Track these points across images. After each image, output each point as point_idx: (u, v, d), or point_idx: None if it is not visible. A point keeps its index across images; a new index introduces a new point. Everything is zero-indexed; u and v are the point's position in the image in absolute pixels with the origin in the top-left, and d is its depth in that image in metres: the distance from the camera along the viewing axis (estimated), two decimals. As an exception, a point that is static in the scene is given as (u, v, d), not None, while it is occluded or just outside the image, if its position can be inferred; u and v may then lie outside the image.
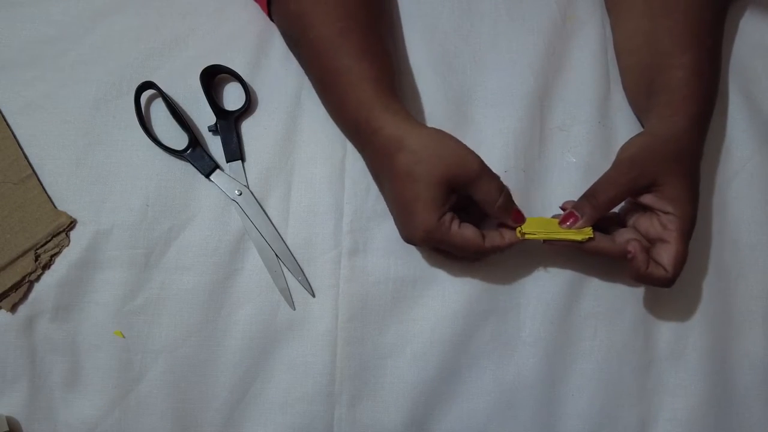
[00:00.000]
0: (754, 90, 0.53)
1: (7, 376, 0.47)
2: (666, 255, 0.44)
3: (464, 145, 0.44)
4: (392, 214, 0.46)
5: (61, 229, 0.48)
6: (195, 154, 0.49)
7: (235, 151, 0.50)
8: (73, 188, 0.49)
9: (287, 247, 0.48)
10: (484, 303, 0.48)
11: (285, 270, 0.48)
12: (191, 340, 0.47)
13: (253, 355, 0.47)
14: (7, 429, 0.45)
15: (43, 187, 0.49)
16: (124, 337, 0.47)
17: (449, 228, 0.43)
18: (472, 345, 0.48)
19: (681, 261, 0.44)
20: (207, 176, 0.49)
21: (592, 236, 0.44)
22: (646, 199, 0.45)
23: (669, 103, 0.46)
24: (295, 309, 0.48)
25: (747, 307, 0.49)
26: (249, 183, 0.49)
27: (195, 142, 0.49)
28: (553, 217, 0.46)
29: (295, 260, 0.48)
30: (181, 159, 0.50)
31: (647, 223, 0.45)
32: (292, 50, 0.51)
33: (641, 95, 0.50)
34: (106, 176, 0.49)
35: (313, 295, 0.48)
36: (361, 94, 0.45)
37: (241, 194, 0.49)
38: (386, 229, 0.49)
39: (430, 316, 0.48)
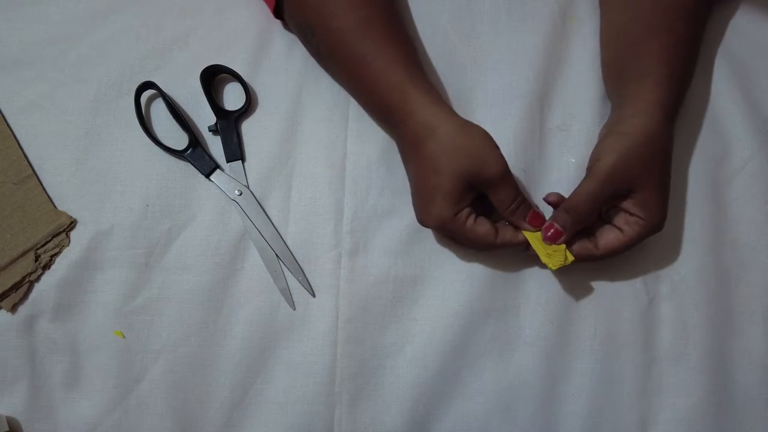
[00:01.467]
0: (755, 90, 0.53)
1: (8, 376, 0.47)
2: (609, 239, 0.45)
3: (492, 145, 0.44)
4: (411, 194, 0.47)
5: (62, 229, 0.48)
6: (195, 154, 0.49)
7: (235, 151, 0.50)
8: (74, 188, 0.49)
9: (287, 247, 0.48)
10: (484, 303, 0.48)
11: (285, 270, 0.48)
12: (191, 340, 0.47)
13: (253, 355, 0.47)
14: (8, 429, 0.45)
15: (43, 187, 0.49)
16: (124, 337, 0.47)
17: (464, 223, 0.44)
18: (472, 345, 0.48)
19: (616, 252, 0.45)
20: (207, 176, 0.49)
21: (565, 263, 0.45)
22: (621, 203, 0.45)
23: (639, 92, 0.46)
24: (295, 309, 0.48)
25: (747, 307, 0.49)
26: (249, 183, 0.50)
27: (195, 142, 0.49)
28: (548, 194, 0.47)
29: (295, 260, 0.48)
30: (181, 159, 0.50)
31: (613, 211, 0.46)
32: (307, 43, 0.50)
33: (612, 83, 0.49)
34: (106, 176, 0.49)
35: (313, 295, 0.48)
36: (393, 77, 0.45)
37: (241, 194, 0.49)
38: (386, 229, 0.49)
39: (430, 316, 0.48)
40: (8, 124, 0.50)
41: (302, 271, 0.48)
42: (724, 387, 0.47)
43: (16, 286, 0.47)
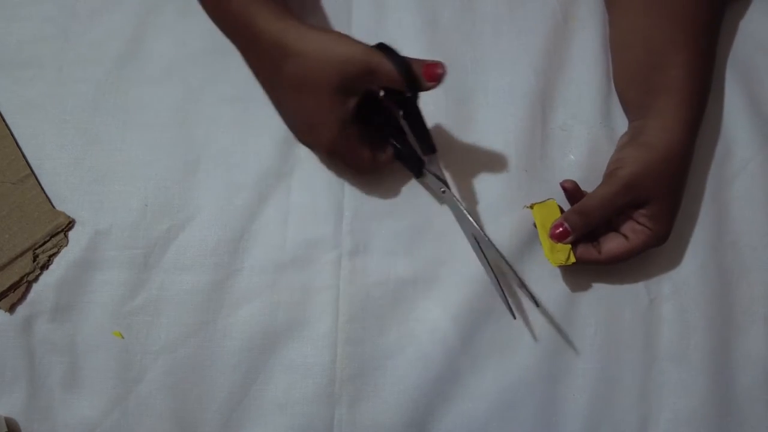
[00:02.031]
0: (755, 90, 0.53)
1: (6, 377, 0.47)
2: (613, 246, 0.46)
3: (348, 41, 0.42)
4: (287, 120, 0.46)
5: (60, 229, 0.48)
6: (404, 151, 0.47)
7: (430, 142, 0.47)
8: (72, 188, 0.49)
9: (496, 249, 0.46)
10: (485, 303, 0.48)
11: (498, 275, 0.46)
12: (191, 341, 0.47)
13: (252, 356, 0.47)
14: (6, 430, 0.45)
15: (42, 187, 0.49)
16: (123, 337, 0.47)
17: (354, 141, 0.44)
18: (472, 345, 0.48)
19: (619, 259, 0.46)
20: (418, 176, 0.48)
21: (566, 263, 0.45)
22: (632, 212, 0.46)
23: (668, 107, 0.46)
24: (515, 318, 0.46)
25: (748, 308, 0.49)
26: (251, 182, 0.49)
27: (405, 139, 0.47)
28: (564, 181, 0.47)
29: (508, 264, 0.46)
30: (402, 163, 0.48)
31: (621, 218, 0.47)
32: None
33: (633, 90, 0.49)
34: (104, 176, 0.49)
35: (537, 305, 0.46)
36: None
37: (444, 192, 0.47)
38: (386, 229, 0.49)
39: (431, 317, 0.48)
40: (6, 124, 0.50)
41: (518, 278, 0.46)
42: (725, 387, 0.47)
43: (14, 287, 0.47)
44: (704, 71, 0.48)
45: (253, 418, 0.47)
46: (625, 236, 0.46)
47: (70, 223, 0.48)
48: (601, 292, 0.49)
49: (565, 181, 0.47)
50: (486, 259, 0.46)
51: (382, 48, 0.43)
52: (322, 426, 0.47)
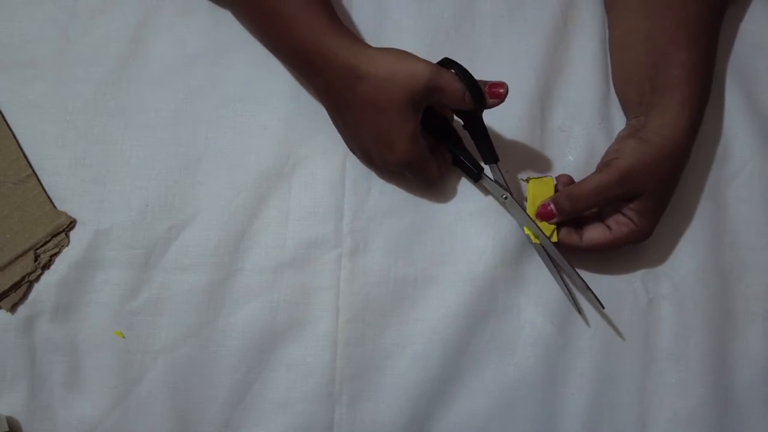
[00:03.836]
0: (754, 90, 0.53)
1: (7, 376, 0.46)
2: (595, 235, 0.46)
3: (413, 58, 0.44)
4: (357, 141, 0.47)
5: (61, 229, 0.48)
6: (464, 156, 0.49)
7: (492, 151, 0.48)
8: (73, 188, 0.49)
9: (562, 255, 0.47)
10: (484, 303, 0.48)
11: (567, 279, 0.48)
12: (191, 341, 0.47)
13: (253, 356, 0.47)
14: (7, 429, 0.45)
15: (43, 187, 0.49)
16: (123, 337, 0.47)
17: (427, 154, 0.46)
18: (472, 345, 0.48)
19: (598, 249, 0.46)
20: (476, 181, 0.49)
21: (555, 240, 0.46)
22: (620, 204, 0.46)
23: (670, 105, 0.46)
24: (589, 326, 0.48)
25: (747, 308, 0.49)
26: (251, 182, 0.49)
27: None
28: (560, 175, 0.48)
29: (574, 270, 0.47)
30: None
31: (607, 209, 0.47)
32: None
33: (634, 90, 0.49)
34: (105, 176, 0.49)
35: (603, 306, 0.47)
36: (310, 21, 0.44)
37: (506, 198, 0.48)
38: (386, 229, 0.49)
39: (431, 317, 0.48)
40: (8, 124, 0.50)
41: (584, 282, 0.47)
42: (724, 387, 0.48)
43: (15, 286, 0.47)
44: (705, 71, 0.48)
45: (253, 417, 0.47)
46: (609, 227, 0.46)
47: (72, 223, 0.48)
48: (599, 292, 0.49)
49: (562, 175, 0.48)
50: (552, 262, 0.48)
51: (447, 63, 0.45)
52: (322, 426, 0.47)
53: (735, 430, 0.47)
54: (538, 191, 0.47)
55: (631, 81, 0.50)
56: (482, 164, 0.48)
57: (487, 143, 0.47)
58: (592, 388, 0.47)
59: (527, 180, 0.48)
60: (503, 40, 0.53)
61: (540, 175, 0.48)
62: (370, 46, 0.45)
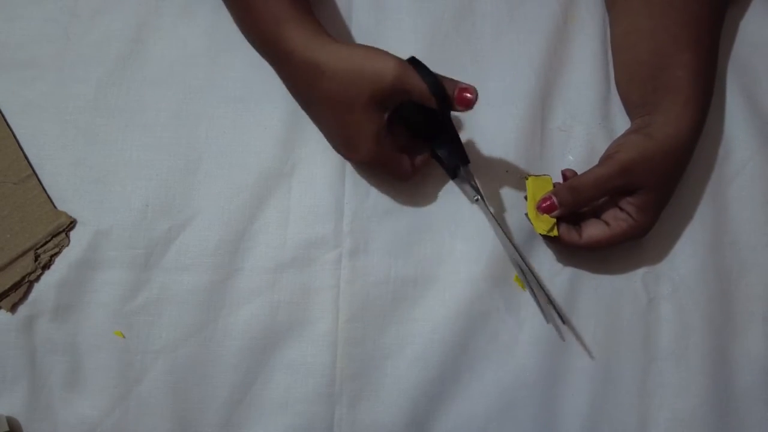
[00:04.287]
0: (755, 90, 0.53)
1: (7, 376, 0.47)
2: (594, 232, 0.46)
3: (380, 57, 0.42)
4: (325, 135, 0.48)
5: (61, 229, 0.48)
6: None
7: (464, 154, 0.47)
8: (73, 188, 0.49)
9: (522, 259, 0.46)
10: (485, 303, 0.48)
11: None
12: (191, 341, 0.47)
13: (253, 356, 0.47)
14: (7, 429, 0.45)
15: (43, 187, 0.49)
16: (124, 337, 0.47)
17: (391, 153, 0.45)
18: (472, 345, 0.48)
19: (597, 246, 0.46)
20: (453, 177, 0.49)
21: (549, 233, 0.46)
22: (619, 199, 0.46)
23: (672, 106, 0.46)
24: (548, 323, 0.47)
25: (747, 308, 0.49)
26: (251, 182, 0.49)
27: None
28: (565, 170, 0.48)
29: (535, 277, 0.46)
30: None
31: (606, 206, 0.47)
32: None
33: (637, 90, 0.50)
34: (105, 176, 0.49)
35: (563, 321, 0.47)
36: (273, 9, 0.44)
37: (477, 200, 0.48)
38: (386, 229, 0.49)
39: (431, 317, 0.48)
40: (8, 124, 0.50)
41: (543, 290, 0.46)
42: (724, 387, 0.48)
43: (15, 286, 0.47)
44: (708, 71, 0.48)
45: (253, 417, 0.47)
46: (607, 223, 0.46)
47: (72, 223, 0.48)
48: (600, 292, 0.49)
49: (567, 170, 0.48)
50: (519, 269, 0.47)
51: (414, 63, 0.44)
52: (322, 426, 0.47)
53: (735, 430, 0.47)
54: (537, 187, 0.47)
55: (633, 81, 0.50)
56: (458, 164, 0.48)
57: (457, 145, 0.47)
58: (592, 388, 0.47)
59: (526, 177, 0.48)
60: (503, 39, 0.53)
61: (540, 174, 0.48)
62: (333, 40, 0.44)
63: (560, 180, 0.49)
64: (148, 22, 0.53)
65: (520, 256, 0.46)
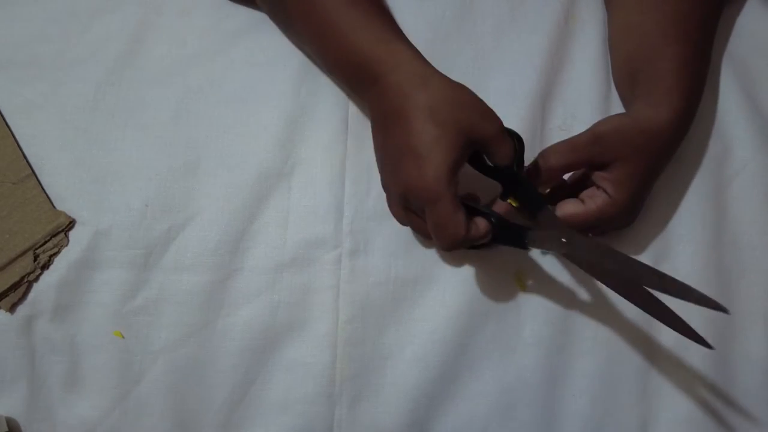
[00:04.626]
0: (755, 90, 0.53)
1: (7, 377, 0.46)
2: (568, 208, 0.45)
3: (483, 101, 0.42)
4: (389, 158, 0.43)
5: (60, 229, 0.48)
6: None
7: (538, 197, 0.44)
8: (72, 188, 0.49)
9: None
10: (485, 303, 0.48)
11: None
12: (191, 341, 0.47)
13: (253, 356, 0.47)
14: (7, 429, 0.45)
15: (42, 187, 0.49)
16: (123, 337, 0.47)
17: (456, 201, 0.40)
18: (472, 345, 0.48)
19: (573, 224, 0.44)
20: (524, 248, 0.43)
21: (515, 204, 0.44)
22: (595, 175, 0.45)
23: (653, 91, 0.46)
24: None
25: (748, 308, 0.49)
26: (251, 182, 0.49)
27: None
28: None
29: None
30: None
31: (582, 186, 0.46)
32: (273, 9, 0.50)
33: (626, 85, 0.50)
34: (105, 176, 0.49)
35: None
36: (376, 31, 0.43)
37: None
38: (387, 229, 0.49)
39: (431, 317, 0.48)
40: (7, 124, 0.50)
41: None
42: (725, 388, 0.47)
43: (14, 286, 0.47)
44: (696, 66, 0.48)
45: (253, 418, 0.47)
46: (582, 201, 0.45)
47: (71, 223, 0.48)
48: (600, 292, 0.49)
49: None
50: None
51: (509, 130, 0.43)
52: (322, 426, 0.47)
53: (735, 431, 0.47)
54: None
55: (624, 77, 0.50)
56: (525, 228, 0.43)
57: (531, 191, 0.44)
58: (593, 389, 0.47)
59: None
60: (504, 39, 0.53)
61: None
62: (437, 70, 0.43)
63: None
64: (147, 22, 0.53)
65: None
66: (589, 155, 0.44)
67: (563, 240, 0.42)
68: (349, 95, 0.51)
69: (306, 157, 0.50)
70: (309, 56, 0.51)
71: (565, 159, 0.44)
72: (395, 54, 0.43)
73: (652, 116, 0.45)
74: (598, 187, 0.45)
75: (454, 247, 0.41)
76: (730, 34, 0.54)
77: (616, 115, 0.46)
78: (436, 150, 0.39)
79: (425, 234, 0.45)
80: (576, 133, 0.51)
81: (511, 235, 0.42)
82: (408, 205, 0.44)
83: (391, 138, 0.43)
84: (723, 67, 0.53)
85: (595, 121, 0.51)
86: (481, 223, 0.41)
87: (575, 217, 0.45)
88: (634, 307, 0.48)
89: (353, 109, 0.51)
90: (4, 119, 0.50)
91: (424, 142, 0.40)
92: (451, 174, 0.40)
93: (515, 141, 0.43)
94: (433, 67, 0.44)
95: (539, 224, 0.44)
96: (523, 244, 0.43)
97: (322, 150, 0.50)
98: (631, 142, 0.44)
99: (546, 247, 0.43)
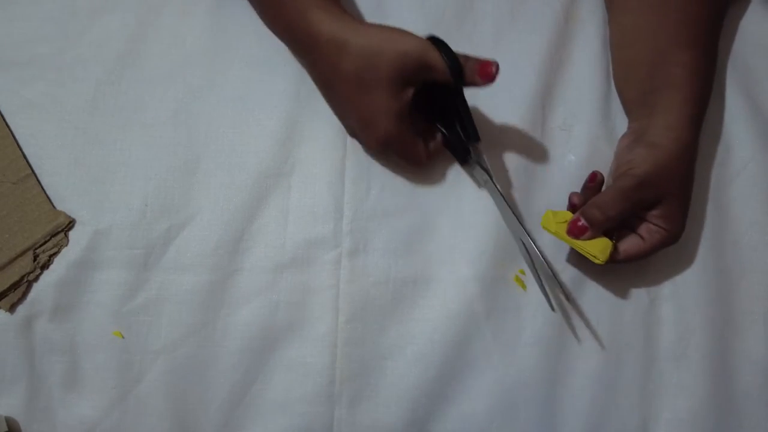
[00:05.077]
0: (755, 90, 0.53)
1: (6, 377, 0.46)
2: (630, 246, 0.46)
3: (405, 36, 0.43)
4: (342, 117, 0.48)
5: (60, 229, 0.48)
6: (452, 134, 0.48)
7: (475, 130, 0.47)
8: (72, 188, 0.49)
9: (533, 242, 0.46)
10: (485, 303, 0.48)
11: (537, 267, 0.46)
12: (191, 341, 0.47)
13: (252, 356, 0.47)
14: (7, 429, 0.45)
15: (42, 187, 0.49)
16: (123, 337, 0.47)
17: (411, 135, 0.46)
18: (472, 345, 0.48)
19: (635, 258, 0.46)
20: (463, 163, 0.49)
21: (606, 258, 0.44)
22: (645, 213, 0.46)
23: (672, 105, 0.46)
24: (554, 311, 0.46)
25: (748, 308, 0.49)
26: (251, 182, 0.49)
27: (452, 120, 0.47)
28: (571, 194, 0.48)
29: (544, 260, 0.45)
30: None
31: (636, 221, 0.47)
32: None
33: (634, 88, 0.50)
34: (104, 176, 0.49)
35: (553, 309, 0.45)
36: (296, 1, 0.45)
37: (486, 182, 0.48)
38: (386, 229, 0.49)
39: (431, 317, 0.48)
40: (6, 124, 0.50)
41: (553, 274, 0.46)
42: (725, 388, 0.47)
43: (14, 286, 0.47)
44: (706, 69, 0.48)
45: (253, 418, 0.47)
46: (641, 237, 0.46)
47: (71, 223, 0.48)
48: (601, 292, 0.49)
49: (572, 195, 0.48)
50: (526, 250, 0.47)
51: (435, 41, 0.44)
52: (322, 426, 0.47)
53: (736, 431, 0.47)
54: (559, 218, 0.46)
55: (631, 79, 0.50)
56: (468, 147, 0.48)
57: (469, 121, 0.47)
58: (593, 389, 0.47)
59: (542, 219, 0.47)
60: (504, 39, 0.53)
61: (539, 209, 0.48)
62: (359, 22, 0.44)
63: (560, 196, 0.48)
64: (147, 22, 0.53)
65: (530, 238, 0.46)
66: (639, 199, 0.45)
67: (484, 180, 0.48)
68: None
69: (306, 157, 0.50)
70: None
71: (620, 207, 0.45)
72: (312, 24, 0.44)
73: (675, 136, 0.45)
74: (651, 222, 0.46)
75: (422, 165, 0.49)
76: (731, 35, 0.55)
77: (644, 149, 0.46)
78: (376, 112, 0.44)
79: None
80: (577, 133, 0.51)
81: (458, 148, 0.49)
82: (376, 150, 0.49)
83: (334, 104, 0.48)
84: (723, 68, 0.53)
85: (595, 120, 0.51)
86: (436, 140, 0.48)
87: (639, 255, 0.46)
88: (634, 307, 0.49)
89: (353, 109, 0.51)
90: (4, 119, 0.50)
91: (364, 108, 0.44)
92: (398, 123, 0.45)
93: (444, 57, 0.43)
94: (348, 21, 0.44)
95: (474, 153, 0.49)
96: (464, 159, 0.49)
97: (322, 150, 0.50)
98: (672, 177, 0.45)
99: (476, 180, 0.49)
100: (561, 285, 0.45)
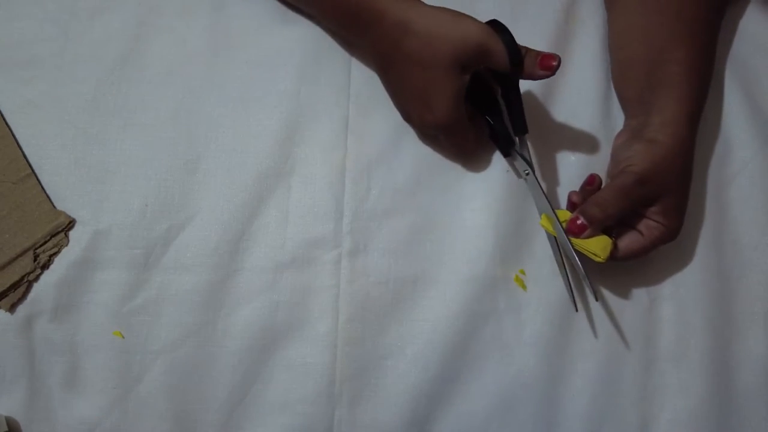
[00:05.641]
0: (755, 90, 0.53)
1: (6, 377, 0.46)
2: (630, 243, 0.46)
3: (468, 20, 0.44)
4: (399, 99, 0.48)
5: (60, 229, 0.48)
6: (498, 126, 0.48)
7: (524, 123, 0.47)
8: (72, 188, 0.49)
9: (568, 240, 0.45)
10: (485, 303, 0.48)
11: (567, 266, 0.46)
12: (191, 341, 0.47)
13: (252, 356, 0.47)
14: (7, 429, 0.45)
15: (42, 187, 0.49)
16: (123, 337, 0.47)
17: (465, 121, 0.46)
18: (472, 345, 0.48)
19: (635, 256, 0.46)
20: (506, 155, 0.49)
21: (607, 256, 0.44)
22: (644, 210, 0.46)
23: (669, 102, 0.46)
24: (577, 310, 0.47)
25: (748, 308, 0.49)
26: (251, 182, 0.49)
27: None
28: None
29: (577, 259, 0.44)
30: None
31: (636, 218, 0.47)
32: None
33: (632, 86, 0.50)
34: (105, 176, 0.49)
35: (576, 309, 0.47)
36: None
37: (528, 174, 0.47)
38: (386, 229, 0.49)
39: (431, 317, 0.48)
40: (7, 123, 0.50)
41: (584, 273, 0.44)
42: (725, 388, 0.47)
43: (14, 286, 0.47)
44: (703, 67, 0.48)
45: (253, 418, 0.47)
46: (641, 233, 0.46)
47: (71, 223, 0.48)
48: (601, 292, 0.49)
49: (571, 194, 0.47)
50: (558, 247, 0.47)
51: (496, 25, 0.45)
52: (322, 426, 0.47)
53: (736, 431, 0.47)
54: (558, 217, 0.46)
55: (628, 78, 0.50)
56: (514, 138, 0.48)
57: (519, 113, 0.47)
58: (593, 389, 0.47)
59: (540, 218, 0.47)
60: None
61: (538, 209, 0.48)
62: (423, 3, 0.45)
63: (559, 196, 0.48)
64: (147, 22, 0.53)
65: (566, 237, 0.45)
66: (638, 196, 0.45)
67: (525, 173, 0.47)
68: (348, 48, 0.52)
69: (306, 157, 0.50)
70: (310, 16, 0.52)
71: (620, 204, 0.45)
72: (381, 1, 0.44)
73: (672, 132, 0.45)
74: (650, 218, 0.46)
75: (470, 153, 0.50)
76: (731, 35, 0.55)
77: (641, 145, 0.46)
78: (435, 93, 0.44)
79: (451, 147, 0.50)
80: (577, 134, 0.51)
81: (502, 140, 0.48)
82: (428, 132, 0.50)
83: (393, 84, 0.48)
84: (723, 68, 0.53)
85: (595, 121, 0.51)
86: (482, 131, 0.49)
87: (639, 251, 0.46)
88: (634, 307, 0.49)
89: (353, 109, 0.51)
90: (4, 119, 0.50)
91: (423, 88, 0.45)
92: (455, 106, 0.45)
93: (506, 44, 0.44)
94: (415, 5, 0.44)
95: (520, 145, 0.48)
96: (507, 152, 0.49)
97: (322, 150, 0.50)
98: (670, 173, 0.45)
99: (516, 172, 0.49)
100: (591, 285, 0.44)
